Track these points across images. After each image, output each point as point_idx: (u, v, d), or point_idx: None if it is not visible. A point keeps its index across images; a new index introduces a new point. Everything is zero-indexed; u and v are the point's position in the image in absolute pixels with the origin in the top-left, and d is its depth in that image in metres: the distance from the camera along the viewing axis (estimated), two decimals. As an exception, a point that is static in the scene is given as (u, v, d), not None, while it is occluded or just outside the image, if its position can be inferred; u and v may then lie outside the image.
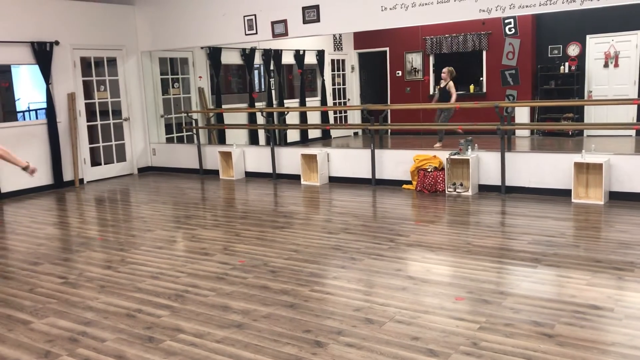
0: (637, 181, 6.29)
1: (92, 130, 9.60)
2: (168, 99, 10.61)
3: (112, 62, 9.83)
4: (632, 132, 10.32)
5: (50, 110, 8.78)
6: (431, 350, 3.03)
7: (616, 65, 10.78)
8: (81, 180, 9.33)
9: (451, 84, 9.62)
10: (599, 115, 10.79)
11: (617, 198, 6.37)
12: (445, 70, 9.75)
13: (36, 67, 8.72)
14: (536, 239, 5.02)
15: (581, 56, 11.03)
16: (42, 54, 8.62)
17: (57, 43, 8.82)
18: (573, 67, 11.06)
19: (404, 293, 3.87)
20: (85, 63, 9.43)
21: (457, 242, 5.06)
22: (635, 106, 9.88)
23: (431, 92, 12.60)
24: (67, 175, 9.11)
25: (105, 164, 9.82)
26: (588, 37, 10.94)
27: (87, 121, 9.47)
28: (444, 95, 9.65)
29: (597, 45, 10.93)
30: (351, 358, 2.99)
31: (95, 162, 9.72)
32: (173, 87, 10.70)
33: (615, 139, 10.14)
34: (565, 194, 6.59)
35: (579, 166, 6.44)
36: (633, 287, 3.86)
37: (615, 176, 6.40)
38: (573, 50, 11.07)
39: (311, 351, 3.08)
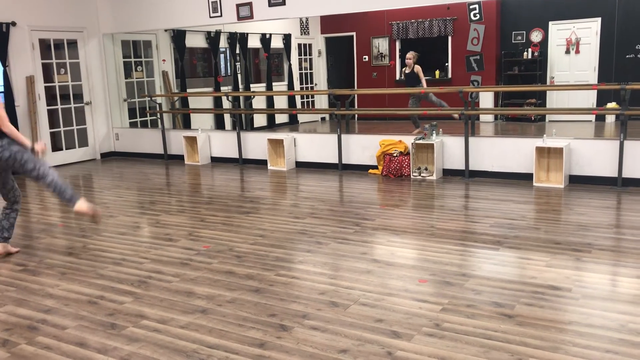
0: (596, 165, 6.45)
1: (52, 115, 9.36)
2: (131, 83, 10.40)
3: (72, 44, 9.57)
4: (592, 117, 10.59)
5: (7, 94, 8.50)
6: (395, 331, 3.07)
7: (577, 51, 11.00)
8: (41, 166, 9.10)
9: (418, 68, 9.40)
10: (561, 101, 11.02)
11: (577, 182, 6.53)
12: (409, 55, 9.51)
13: (-8, 49, 8.43)
14: (498, 222, 5.11)
15: (544, 42, 11.22)
16: (-2, 36, 8.34)
17: (13, 24, 8.53)
18: (536, 53, 11.24)
19: (369, 276, 3.90)
20: (44, 45, 9.15)
21: (421, 225, 5.12)
22: (595, 92, 10.12)
23: (397, 77, 12.67)
24: (27, 161, 8.87)
25: (66, 149, 9.60)
26: (550, 23, 11.12)
27: (47, 105, 9.22)
28: (411, 81, 9.45)
29: (559, 31, 11.13)
30: (315, 341, 3.00)
31: (56, 147, 9.48)
32: (136, 70, 10.49)
33: (576, 123, 10.37)
34: (527, 177, 6.72)
35: (540, 150, 6.56)
36: (590, 267, 3.97)
37: (575, 160, 6.55)
38: (536, 36, 11.24)
39: (276, 335, 3.09)
